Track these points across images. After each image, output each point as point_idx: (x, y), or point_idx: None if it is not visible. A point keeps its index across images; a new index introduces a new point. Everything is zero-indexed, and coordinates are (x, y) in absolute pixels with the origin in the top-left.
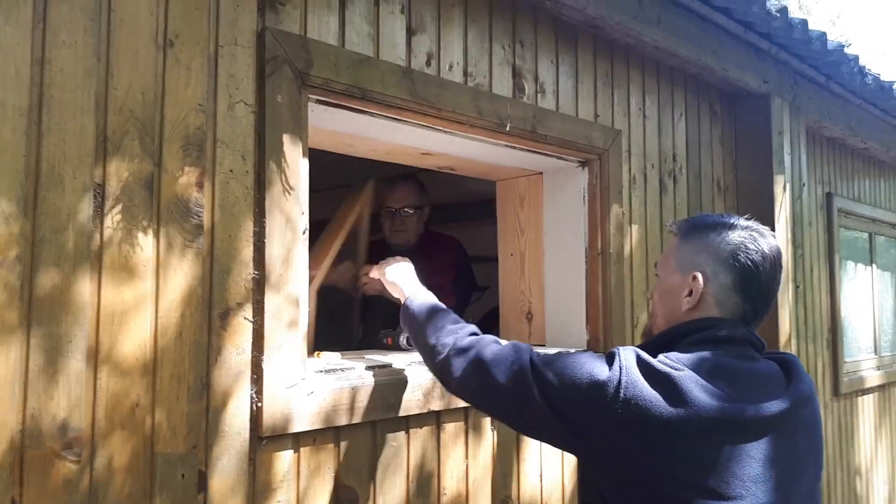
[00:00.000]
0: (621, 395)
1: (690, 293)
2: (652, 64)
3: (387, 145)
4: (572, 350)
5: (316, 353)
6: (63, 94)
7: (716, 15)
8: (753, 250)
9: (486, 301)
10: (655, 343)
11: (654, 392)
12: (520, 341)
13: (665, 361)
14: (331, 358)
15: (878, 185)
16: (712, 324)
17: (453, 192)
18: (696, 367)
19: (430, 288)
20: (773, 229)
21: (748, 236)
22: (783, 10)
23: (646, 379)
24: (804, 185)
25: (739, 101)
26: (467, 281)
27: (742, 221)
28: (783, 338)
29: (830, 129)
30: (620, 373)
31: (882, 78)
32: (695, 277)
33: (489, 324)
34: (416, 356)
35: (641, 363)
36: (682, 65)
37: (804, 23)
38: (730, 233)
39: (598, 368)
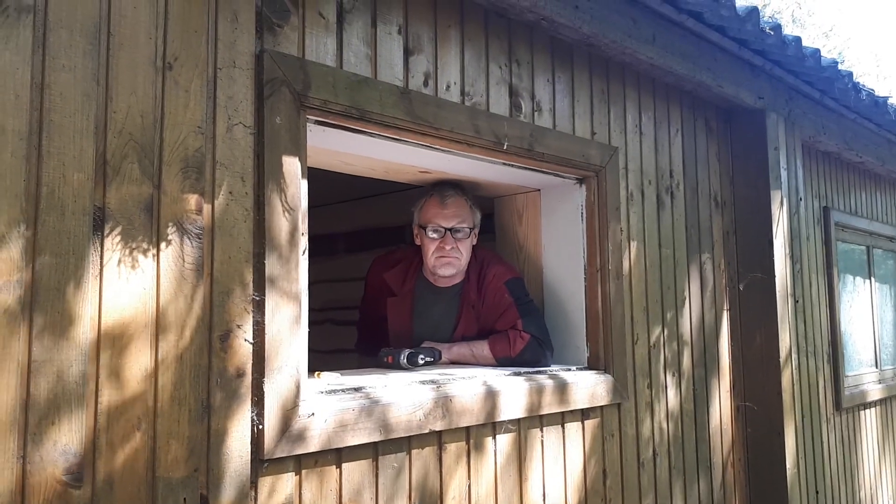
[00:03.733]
0: None
1: None
2: (648, 81)
3: (385, 164)
4: (572, 368)
5: (316, 373)
6: (63, 118)
7: (710, 33)
8: None
9: None
10: None
11: None
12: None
13: None
14: (331, 378)
15: (874, 198)
16: None
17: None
18: None
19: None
20: (770, 244)
21: None
22: (777, 28)
23: None
24: (801, 199)
25: (735, 116)
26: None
27: None
28: (783, 353)
29: (826, 143)
30: None
31: (876, 93)
32: None
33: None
34: (416, 376)
35: None
36: (677, 82)
37: (798, 40)
38: None
39: None
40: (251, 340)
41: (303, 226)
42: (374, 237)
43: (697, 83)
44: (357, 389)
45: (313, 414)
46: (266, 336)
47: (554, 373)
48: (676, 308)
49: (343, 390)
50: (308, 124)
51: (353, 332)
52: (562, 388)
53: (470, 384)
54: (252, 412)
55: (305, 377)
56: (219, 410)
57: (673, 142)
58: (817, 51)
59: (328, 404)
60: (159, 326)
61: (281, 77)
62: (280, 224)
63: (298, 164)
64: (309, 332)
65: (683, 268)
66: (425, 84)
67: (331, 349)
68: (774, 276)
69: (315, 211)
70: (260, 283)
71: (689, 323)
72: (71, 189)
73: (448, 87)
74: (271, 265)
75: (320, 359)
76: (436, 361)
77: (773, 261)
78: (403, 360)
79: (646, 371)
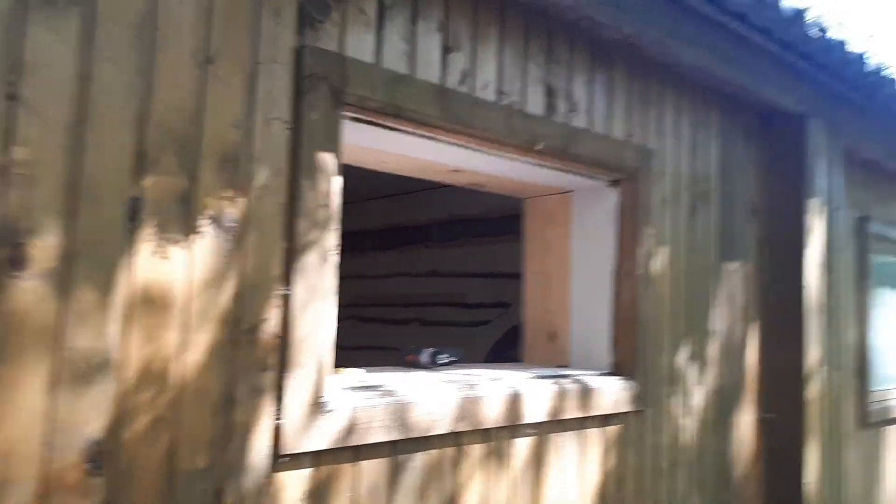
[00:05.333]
0: None
1: None
2: (687, 84)
3: (418, 162)
4: (596, 373)
5: (338, 369)
6: (105, 109)
7: (755, 34)
8: None
9: (507, 318)
10: None
11: None
12: (543, 362)
13: None
14: (354, 375)
15: None
16: None
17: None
18: None
19: None
20: (802, 254)
21: None
22: (823, 30)
23: None
24: (837, 209)
25: (775, 122)
26: None
27: None
28: (810, 365)
29: (867, 150)
30: None
31: None
32: None
33: (510, 342)
34: (440, 375)
35: None
36: (718, 85)
37: (842, 44)
38: None
39: None
40: (278, 335)
41: (335, 222)
42: (401, 235)
43: (738, 86)
44: (379, 387)
45: (333, 411)
46: (292, 331)
47: (578, 377)
48: (704, 316)
49: (365, 388)
50: (344, 121)
51: (378, 330)
52: (585, 393)
53: (494, 386)
54: (274, 407)
55: (329, 374)
56: (241, 403)
57: (710, 146)
58: (861, 55)
59: (349, 401)
60: (188, 317)
61: (320, 73)
62: (311, 220)
63: (333, 161)
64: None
65: (714, 275)
66: (462, 82)
67: (354, 346)
68: (805, 288)
69: (344, 208)
70: (288, 278)
71: (716, 332)
72: (109, 179)
73: (485, 85)
74: (301, 260)
75: (343, 355)
76: (458, 361)
77: (804, 272)
78: (426, 358)
79: (669, 378)
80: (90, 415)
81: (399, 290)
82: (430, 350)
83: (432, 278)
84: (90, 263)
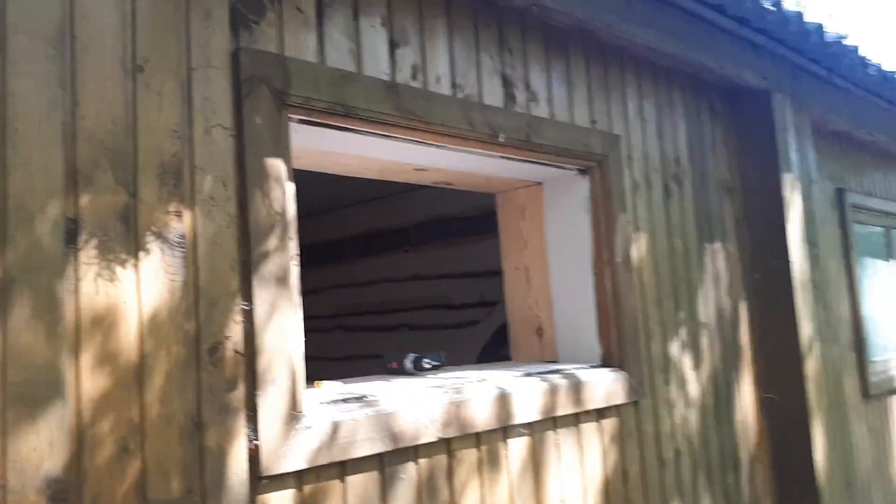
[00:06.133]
0: None
1: None
2: (646, 66)
3: (379, 163)
4: (586, 367)
5: (315, 382)
6: (27, 126)
7: (707, 11)
8: None
9: (495, 317)
10: None
11: None
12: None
13: None
14: (332, 387)
15: (889, 177)
16: None
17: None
18: None
19: None
20: (784, 229)
21: None
22: (777, 4)
23: None
24: (813, 181)
25: (740, 98)
26: None
27: None
28: (805, 341)
29: (835, 122)
30: None
31: (884, 68)
32: None
33: (502, 339)
34: (423, 381)
35: None
36: (677, 64)
37: (799, 16)
38: None
39: None
40: (242, 352)
41: (291, 230)
42: (380, 240)
43: (698, 65)
44: (360, 398)
45: (311, 427)
46: (257, 347)
47: (568, 372)
48: (691, 300)
49: (345, 400)
50: (291, 124)
51: (364, 338)
52: (576, 388)
53: (481, 388)
54: (247, 428)
55: (303, 388)
56: (211, 427)
57: (677, 127)
58: (820, 26)
59: (329, 415)
60: (143, 342)
61: (259, 75)
62: (266, 229)
63: (283, 166)
64: (320, 339)
65: (695, 258)
66: (414, 77)
67: (342, 356)
68: (790, 263)
69: (320, 217)
70: (248, 292)
71: (705, 315)
72: (40, 201)
73: (438, 79)
74: (259, 272)
75: (332, 366)
76: (442, 365)
77: (787, 247)
78: (409, 364)
79: (663, 366)
80: (46, 451)
81: (383, 296)
82: (413, 356)
83: (415, 282)
84: (28, 291)
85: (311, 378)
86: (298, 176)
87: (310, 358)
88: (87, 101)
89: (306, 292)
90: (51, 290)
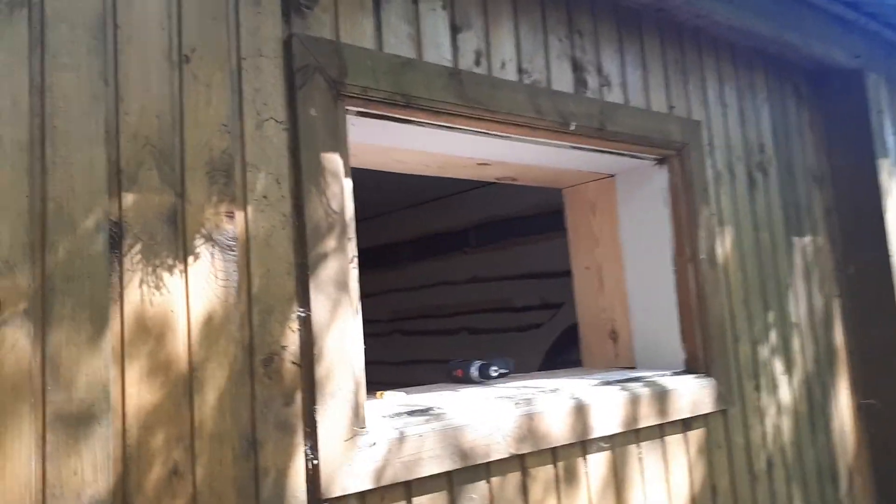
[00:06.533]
0: None
1: None
2: (726, 47)
3: (439, 158)
4: (668, 373)
5: (378, 393)
6: (68, 123)
7: None
8: None
9: (560, 320)
10: None
11: None
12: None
13: None
14: (395, 399)
15: None
16: None
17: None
18: None
19: None
20: (882, 220)
21: None
22: None
23: None
24: None
25: (828, 80)
26: None
27: None
28: None
29: None
30: None
31: None
32: None
33: (566, 343)
34: (492, 391)
35: None
36: (760, 45)
37: None
38: None
39: None
40: (299, 362)
41: (350, 230)
42: (437, 242)
43: (783, 44)
44: (425, 411)
45: (375, 444)
46: (316, 356)
47: (650, 379)
48: (780, 298)
49: (409, 413)
50: (349, 117)
51: (423, 342)
52: (660, 397)
53: (554, 398)
54: (305, 445)
55: (364, 400)
56: (267, 445)
57: (760, 112)
58: None
59: (393, 430)
60: (192, 354)
61: (314, 63)
62: (323, 229)
63: (340, 161)
64: (376, 345)
65: (783, 252)
66: (477, 63)
67: (400, 361)
68: (889, 255)
69: (376, 220)
70: (305, 298)
71: (796, 314)
72: (81, 203)
73: (503, 64)
74: (316, 276)
75: (391, 371)
76: (510, 373)
77: (886, 238)
78: (475, 372)
79: (752, 371)
80: (90, 474)
81: (441, 299)
82: (479, 363)
83: (474, 284)
84: (70, 301)
85: (372, 388)
86: (354, 177)
87: (368, 363)
88: (130, 94)
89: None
90: (94, 300)
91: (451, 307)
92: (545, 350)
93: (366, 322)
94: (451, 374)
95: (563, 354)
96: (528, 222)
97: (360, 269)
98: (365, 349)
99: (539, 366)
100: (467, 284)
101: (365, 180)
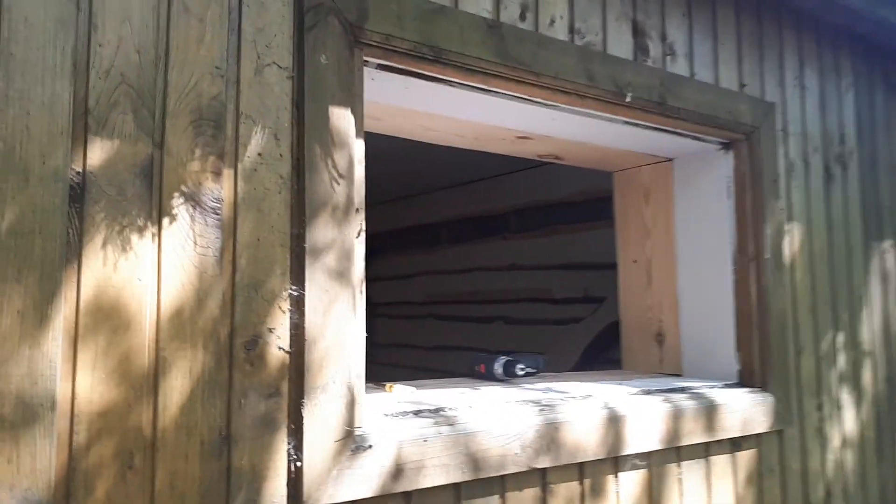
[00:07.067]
0: None
1: None
2: (809, 22)
3: (474, 127)
4: (718, 385)
5: (387, 385)
6: (28, 51)
7: None
8: None
9: (602, 314)
10: None
11: None
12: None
13: None
14: (404, 393)
15: None
16: None
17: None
18: None
19: None
20: None
21: None
22: None
23: None
24: None
25: None
26: None
27: None
28: None
29: None
30: None
31: None
32: None
33: (608, 341)
34: (514, 392)
35: None
36: (848, 21)
37: None
38: None
39: None
40: (287, 348)
41: (358, 198)
42: (476, 226)
43: (875, 22)
44: (435, 411)
45: (371, 446)
46: (308, 343)
47: (696, 391)
48: (852, 308)
49: (416, 412)
50: (367, 69)
51: (457, 328)
52: (707, 412)
53: (585, 406)
54: (288, 444)
55: (363, 395)
56: (242, 442)
57: (843, 99)
58: None
59: (394, 431)
60: (160, 331)
61: (328, 2)
62: (327, 196)
63: (351, 118)
64: (411, 327)
65: (860, 257)
66: (522, 17)
67: (434, 345)
68: None
69: (413, 200)
70: (300, 273)
71: (868, 328)
72: (38, 146)
73: (552, 21)
74: (315, 250)
75: (423, 355)
76: (540, 371)
77: None
78: (499, 369)
79: (815, 388)
80: (27, 464)
81: (478, 285)
82: (504, 359)
83: (513, 272)
84: (15, 262)
85: (401, 372)
86: (389, 152)
87: (399, 345)
88: (106, 23)
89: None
90: (45, 262)
91: (488, 294)
92: (584, 347)
93: (400, 303)
94: (473, 369)
95: (603, 352)
96: (574, 209)
97: (396, 248)
98: (396, 330)
99: (576, 363)
100: (505, 271)
101: (403, 156)
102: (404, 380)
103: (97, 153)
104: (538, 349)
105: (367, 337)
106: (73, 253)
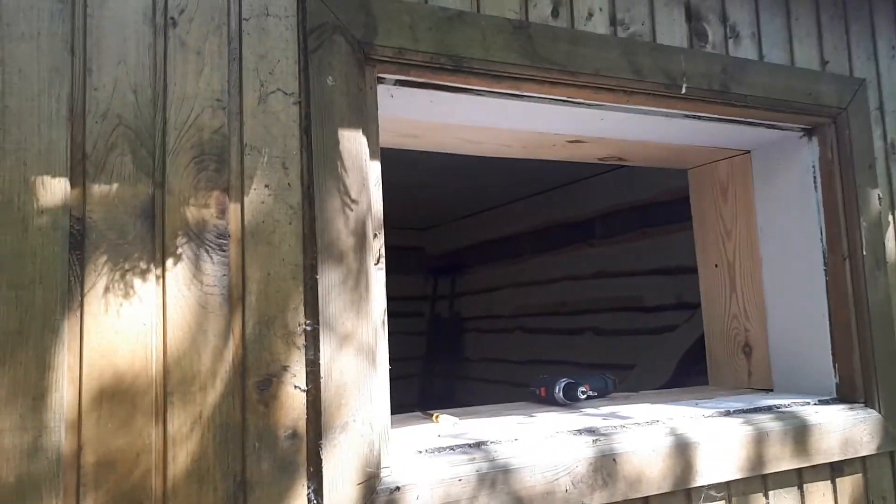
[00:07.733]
0: None
1: None
2: None
3: (519, 135)
4: (812, 402)
5: (434, 415)
6: (22, 102)
7: None
8: None
9: (697, 321)
10: None
11: None
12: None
13: None
14: (446, 425)
15: None
16: None
17: (640, 191)
18: None
19: None
20: None
21: None
22: None
23: None
24: None
25: None
26: None
27: None
28: None
29: None
30: None
31: None
32: None
33: (698, 355)
34: (568, 421)
35: None
36: None
37: None
38: None
39: None
40: (303, 387)
41: (374, 223)
42: (560, 234)
43: None
44: (475, 446)
45: (399, 487)
46: (324, 380)
47: (784, 410)
48: None
49: (453, 448)
50: (383, 86)
51: (546, 341)
52: (798, 433)
53: (648, 433)
54: (308, 488)
55: (388, 433)
56: (259, 487)
57: None
58: None
59: (426, 471)
60: (167, 375)
61: (332, 21)
62: (339, 224)
63: (363, 140)
64: (499, 341)
65: None
66: (554, 14)
67: (523, 359)
68: None
69: (495, 212)
70: (314, 308)
71: None
72: (36, 196)
73: (590, 15)
74: (328, 281)
75: (512, 369)
76: (608, 391)
77: None
78: (559, 393)
79: None
80: None
81: (565, 295)
82: (565, 381)
83: (600, 280)
84: (17, 312)
85: (494, 386)
86: (456, 165)
87: (490, 360)
88: (102, 65)
89: (487, 290)
90: (46, 312)
91: (576, 304)
92: (678, 359)
93: (488, 317)
94: (533, 393)
95: (699, 363)
96: (662, 210)
97: (484, 262)
98: (485, 346)
99: (670, 377)
100: (593, 280)
101: (477, 169)
102: (495, 395)
103: (96, 197)
104: (630, 361)
105: (457, 352)
106: (74, 301)
